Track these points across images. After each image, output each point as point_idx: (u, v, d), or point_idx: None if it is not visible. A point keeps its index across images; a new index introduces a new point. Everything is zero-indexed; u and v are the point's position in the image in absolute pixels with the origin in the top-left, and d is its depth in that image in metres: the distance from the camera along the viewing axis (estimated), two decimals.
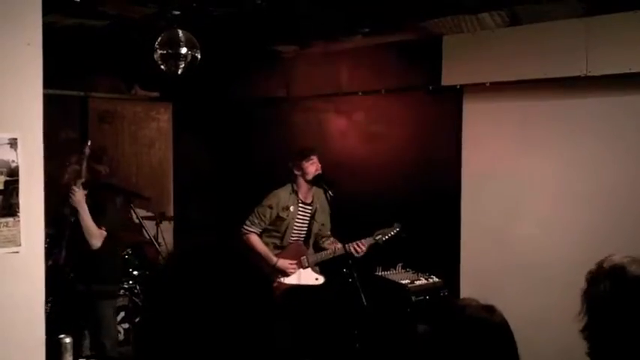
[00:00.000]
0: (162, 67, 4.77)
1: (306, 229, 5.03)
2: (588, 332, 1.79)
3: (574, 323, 1.86)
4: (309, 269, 5.00)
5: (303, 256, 4.99)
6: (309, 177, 4.88)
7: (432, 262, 5.20)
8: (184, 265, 1.23)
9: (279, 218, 4.94)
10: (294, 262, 4.95)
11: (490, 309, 1.71)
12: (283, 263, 4.90)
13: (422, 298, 4.96)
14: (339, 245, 4.85)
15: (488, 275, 5.06)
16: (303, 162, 4.89)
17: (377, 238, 4.86)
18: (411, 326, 4.91)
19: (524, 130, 4.91)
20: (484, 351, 1.64)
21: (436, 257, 5.27)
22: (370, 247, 4.85)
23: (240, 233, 4.97)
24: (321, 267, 5.12)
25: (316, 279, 5.02)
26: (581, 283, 1.90)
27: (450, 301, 1.79)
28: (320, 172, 4.88)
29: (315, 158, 4.91)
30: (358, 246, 4.78)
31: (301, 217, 5.00)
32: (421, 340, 1.75)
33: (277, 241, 5.00)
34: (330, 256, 4.92)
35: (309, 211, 5.02)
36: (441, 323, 1.72)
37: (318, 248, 5.09)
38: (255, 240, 4.95)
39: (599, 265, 1.85)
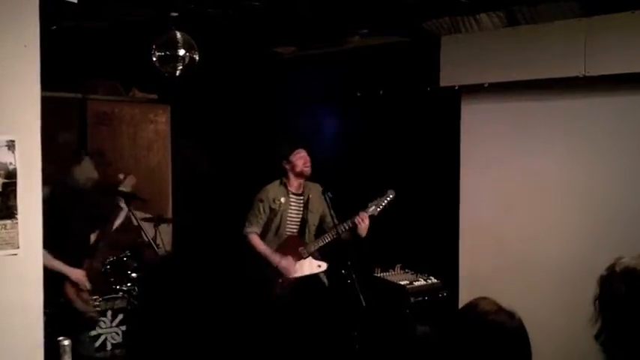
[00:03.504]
0: (160, 69, 4.78)
1: (300, 218, 5.02)
2: (604, 337, 1.77)
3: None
4: (309, 258, 4.98)
5: (301, 247, 4.97)
6: (297, 170, 4.93)
7: (431, 263, 5.20)
8: (181, 266, 1.23)
9: (271, 210, 4.97)
10: (295, 261, 4.94)
11: (510, 314, 1.72)
12: (286, 265, 4.90)
13: (421, 299, 4.97)
14: (340, 225, 4.77)
15: (486, 276, 5.06)
16: (291, 155, 4.94)
17: (370, 210, 4.78)
18: (410, 327, 4.91)
19: (522, 130, 4.91)
20: (501, 356, 1.64)
21: (435, 258, 5.27)
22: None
23: (242, 236, 4.99)
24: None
25: (319, 266, 4.99)
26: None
27: (471, 305, 1.77)
28: (308, 169, 4.91)
29: (303, 152, 4.95)
30: (358, 219, 4.67)
31: (294, 207, 5.01)
32: (440, 342, 1.74)
33: (274, 236, 5.01)
34: (328, 240, 4.88)
35: (301, 201, 5.03)
36: (461, 327, 1.72)
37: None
38: (256, 241, 4.98)
39: (611, 268, 1.83)
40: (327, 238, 4.89)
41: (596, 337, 1.79)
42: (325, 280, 5.10)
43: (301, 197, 5.04)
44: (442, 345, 1.73)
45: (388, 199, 4.85)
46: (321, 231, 5.08)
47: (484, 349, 1.65)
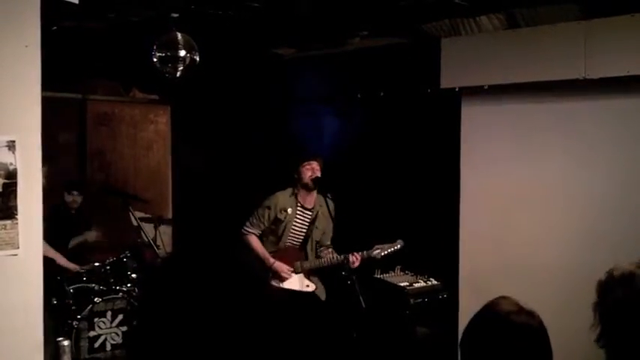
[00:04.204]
0: (160, 69, 4.78)
1: (304, 233, 4.99)
2: (604, 341, 1.79)
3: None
4: (301, 275, 4.95)
5: (298, 260, 4.95)
6: (304, 181, 4.89)
7: (431, 265, 5.20)
8: (180, 267, 1.23)
9: (277, 220, 4.93)
10: (291, 266, 4.93)
11: (531, 313, 1.72)
12: (280, 266, 4.87)
13: (420, 300, 4.97)
14: (334, 255, 4.86)
15: (486, 277, 5.06)
16: (300, 166, 4.92)
17: (375, 253, 4.78)
18: (410, 329, 4.91)
19: (522, 132, 4.91)
20: (525, 355, 1.65)
21: (435, 260, 5.27)
22: (367, 260, 4.78)
23: (240, 234, 4.97)
24: (320, 272, 5.09)
25: (307, 286, 4.97)
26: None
27: (492, 305, 1.77)
28: (316, 176, 4.87)
29: (313, 163, 4.91)
30: (355, 256, 4.70)
31: (300, 221, 4.98)
32: (464, 343, 1.75)
33: (273, 245, 4.98)
34: (325, 265, 4.90)
35: (309, 216, 4.99)
36: (484, 327, 1.72)
37: (317, 257, 5.04)
38: (253, 241, 4.96)
39: (609, 274, 1.85)
40: (324, 264, 4.90)
41: (597, 341, 1.80)
42: (323, 295, 5.08)
43: (309, 212, 4.99)
44: (465, 345, 1.73)
45: (395, 248, 4.83)
46: (318, 245, 5.09)
47: (508, 349, 1.66)
